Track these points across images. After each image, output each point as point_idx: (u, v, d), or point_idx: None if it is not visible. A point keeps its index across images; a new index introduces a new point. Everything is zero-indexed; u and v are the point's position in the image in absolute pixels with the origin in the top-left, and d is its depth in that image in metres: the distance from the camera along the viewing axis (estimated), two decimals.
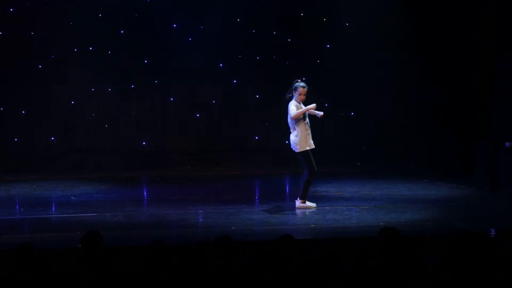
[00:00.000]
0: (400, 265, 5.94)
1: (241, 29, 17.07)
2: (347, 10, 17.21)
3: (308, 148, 10.98)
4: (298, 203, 11.01)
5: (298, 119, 10.90)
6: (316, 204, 11.15)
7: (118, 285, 5.76)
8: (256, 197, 13.02)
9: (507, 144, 12.20)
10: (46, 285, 5.70)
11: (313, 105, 11.01)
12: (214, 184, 14.10)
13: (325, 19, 17.41)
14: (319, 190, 13.05)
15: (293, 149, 11.10)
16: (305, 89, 11.00)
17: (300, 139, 10.93)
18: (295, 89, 11.02)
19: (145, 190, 13.68)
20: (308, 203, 11.03)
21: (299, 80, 11.20)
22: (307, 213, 10.70)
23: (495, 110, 14.20)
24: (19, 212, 11.11)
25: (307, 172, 10.99)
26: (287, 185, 14.30)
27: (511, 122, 12.96)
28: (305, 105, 11.06)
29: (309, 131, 11.04)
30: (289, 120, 11.01)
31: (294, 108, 10.89)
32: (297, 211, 10.92)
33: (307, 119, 11.06)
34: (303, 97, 11.01)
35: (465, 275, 5.74)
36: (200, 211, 10.89)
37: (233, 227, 9.57)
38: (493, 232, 8.63)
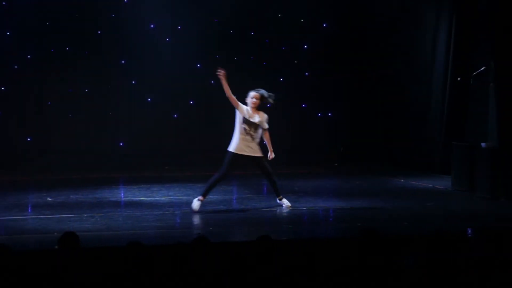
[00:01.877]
0: (378, 266, 5.95)
1: (218, 30, 17.07)
2: (324, 11, 17.28)
3: (235, 151, 10.79)
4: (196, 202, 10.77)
5: (237, 120, 10.79)
6: (291, 204, 11.13)
7: (96, 286, 5.73)
8: (234, 198, 13.00)
9: (483, 144, 12.28)
10: (23, 287, 5.67)
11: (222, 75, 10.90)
12: (191, 185, 14.07)
13: (303, 20, 17.45)
14: (296, 190, 13.07)
15: None
16: (256, 94, 11.00)
17: (234, 139, 10.83)
18: (248, 94, 11.07)
19: (122, 191, 13.61)
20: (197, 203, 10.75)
21: (257, 88, 11.28)
22: (285, 213, 10.71)
23: (472, 111, 14.29)
24: None
25: (221, 171, 10.84)
26: (264, 186, 14.29)
27: (486, 123, 13.04)
28: (261, 112, 10.99)
29: (249, 137, 10.81)
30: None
31: (236, 101, 10.93)
32: (279, 210, 10.93)
33: (246, 126, 10.84)
34: (253, 101, 10.98)
35: (442, 275, 5.77)
36: (177, 212, 10.85)
37: (211, 228, 9.56)
38: (470, 232, 8.68)
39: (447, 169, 14.00)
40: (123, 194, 13.31)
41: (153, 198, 12.32)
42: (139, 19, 16.67)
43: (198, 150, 17.19)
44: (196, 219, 10.38)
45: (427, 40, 15.80)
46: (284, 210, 10.94)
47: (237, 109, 10.83)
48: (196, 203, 10.73)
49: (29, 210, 11.46)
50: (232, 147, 10.86)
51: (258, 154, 10.90)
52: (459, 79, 14.50)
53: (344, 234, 8.94)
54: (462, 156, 13.00)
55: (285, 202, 11.05)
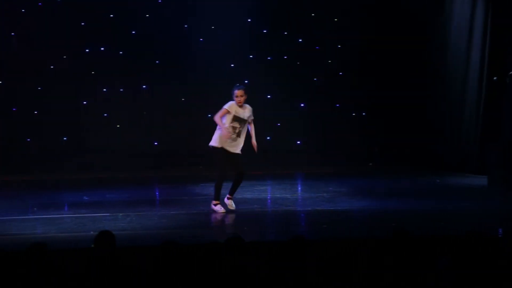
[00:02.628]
0: (411, 267, 5.93)
1: (252, 29, 17.09)
2: (358, 10, 17.21)
3: (220, 146, 10.65)
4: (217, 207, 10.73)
5: (226, 117, 10.64)
6: (310, 206, 11.12)
7: (130, 285, 5.77)
8: (268, 198, 13.01)
9: None
10: (59, 285, 5.72)
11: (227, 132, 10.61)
12: (225, 184, 14.09)
13: (337, 19, 17.40)
14: (331, 190, 13.04)
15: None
16: (240, 91, 10.70)
17: (216, 134, 10.72)
18: (233, 90, 10.78)
19: (157, 191, 13.69)
20: (218, 207, 10.71)
21: (238, 84, 10.97)
22: (320, 213, 10.68)
23: (507, 110, 14.15)
24: (32, 212, 11.15)
25: (218, 173, 10.77)
26: (299, 186, 14.29)
27: None
28: (246, 105, 10.78)
29: (235, 136, 10.66)
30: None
31: (225, 109, 10.66)
32: (313, 210, 10.91)
33: (236, 124, 10.69)
34: (240, 99, 10.68)
35: (475, 276, 5.73)
36: (211, 211, 10.88)
37: (245, 227, 9.57)
38: (501, 232, 8.61)
39: (483, 169, 13.89)
40: (158, 193, 13.38)
41: (187, 197, 12.37)
42: (173, 19, 16.75)
43: None
44: (231, 218, 10.40)
45: (462, 38, 15.67)
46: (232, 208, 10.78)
47: (228, 113, 10.67)
48: (216, 208, 10.71)
49: (66, 209, 11.56)
50: (216, 142, 10.70)
51: (238, 151, 10.76)
52: (495, 78, 14.36)
53: (378, 235, 8.89)
54: (498, 156, 12.88)
55: (231, 204, 10.79)
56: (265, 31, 17.30)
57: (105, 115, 16.88)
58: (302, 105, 17.60)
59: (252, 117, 10.89)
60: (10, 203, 11.91)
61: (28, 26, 16.20)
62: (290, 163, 16.86)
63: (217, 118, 10.66)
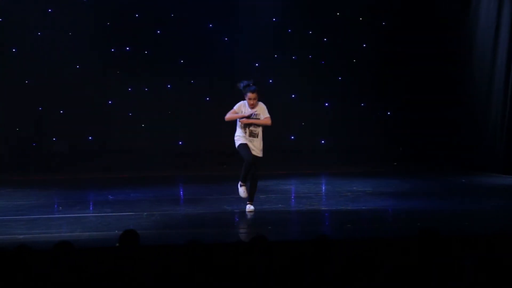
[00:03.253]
0: (438, 266, 5.89)
1: (276, 29, 17.08)
2: (383, 9, 17.16)
3: (243, 142, 10.52)
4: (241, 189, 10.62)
5: (237, 122, 10.61)
6: (334, 206, 11.10)
7: (155, 284, 5.79)
8: (292, 197, 12.99)
9: None
10: (84, 284, 5.75)
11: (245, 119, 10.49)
12: (249, 184, 14.09)
13: (361, 18, 17.36)
14: (355, 190, 13.01)
15: None
16: (254, 94, 10.47)
17: (236, 136, 10.65)
18: (245, 92, 10.53)
19: (181, 189, 13.72)
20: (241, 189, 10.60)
21: (251, 84, 10.59)
22: (344, 213, 10.65)
23: None
24: (58, 210, 11.22)
25: (244, 160, 10.58)
26: (323, 186, 14.26)
27: None
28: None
29: (247, 136, 10.54)
30: None
31: (234, 110, 10.55)
32: (338, 210, 10.89)
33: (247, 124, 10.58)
34: (253, 102, 10.46)
35: (503, 277, 5.69)
36: (236, 210, 10.89)
37: (269, 227, 9.57)
38: None
39: (509, 169, 13.78)
40: (182, 192, 13.41)
41: (212, 197, 12.38)
42: (198, 19, 16.78)
43: None
44: (255, 218, 10.40)
45: (488, 38, 15.57)
46: (248, 215, 10.75)
47: (231, 119, 10.59)
48: (240, 190, 10.65)
49: (91, 208, 11.62)
50: (237, 141, 10.64)
51: (259, 154, 10.67)
52: None
53: (403, 234, 8.85)
54: None
55: (250, 208, 10.71)
56: (290, 30, 17.29)
57: (130, 114, 16.96)
58: (326, 104, 17.57)
59: (267, 115, 10.61)
60: (36, 202, 11.99)
61: (54, 26, 16.31)
62: (314, 163, 16.84)
63: (226, 117, 10.59)
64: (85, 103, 16.67)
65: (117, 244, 6.23)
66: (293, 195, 13.26)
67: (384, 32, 17.31)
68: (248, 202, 10.77)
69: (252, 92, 10.47)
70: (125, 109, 16.94)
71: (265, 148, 17.08)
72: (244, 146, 10.58)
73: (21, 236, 8.93)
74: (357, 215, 10.52)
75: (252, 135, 10.61)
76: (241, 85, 10.63)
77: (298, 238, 8.88)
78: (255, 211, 10.63)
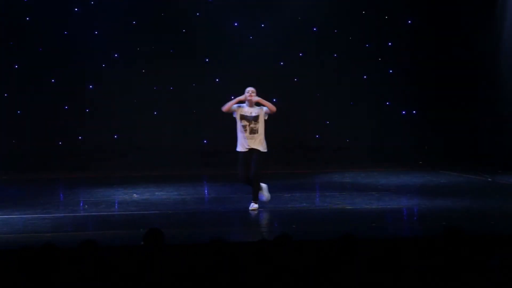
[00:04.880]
0: (462, 266, 5.86)
1: (302, 27, 17.06)
2: (409, 8, 17.09)
3: (239, 150, 10.78)
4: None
5: (237, 121, 10.77)
6: (359, 204, 11.07)
7: (179, 282, 5.80)
8: (317, 196, 12.97)
9: None
10: (109, 282, 5.77)
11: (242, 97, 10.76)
12: (274, 183, 14.11)
13: (387, 16, 17.29)
14: (380, 188, 12.97)
15: None
16: (251, 88, 10.88)
17: (237, 140, 10.82)
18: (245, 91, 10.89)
19: (205, 188, 13.75)
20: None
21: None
22: (369, 212, 10.61)
23: None
24: (83, 209, 11.28)
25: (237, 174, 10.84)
26: (348, 184, 14.22)
27: None
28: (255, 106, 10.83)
29: (246, 134, 10.70)
30: None
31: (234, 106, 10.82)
32: (362, 208, 10.85)
33: (245, 122, 10.75)
34: (251, 95, 10.78)
35: None
36: (260, 209, 10.89)
37: (294, 226, 9.56)
38: None
39: None
40: (207, 191, 13.44)
41: (236, 195, 12.39)
42: (223, 18, 16.80)
43: (281, 148, 17.24)
44: (279, 217, 10.39)
45: None
46: (252, 213, 10.75)
47: (235, 111, 10.78)
48: (253, 206, 10.74)
49: (116, 206, 11.68)
50: (237, 147, 10.85)
51: (262, 149, 10.79)
52: None
53: (428, 233, 8.80)
54: None
55: (254, 206, 10.76)
56: (315, 29, 17.26)
57: (155, 113, 17.01)
58: (351, 103, 17.51)
59: (264, 109, 10.84)
60: (62, 201, 12.07)
61: (80, 25, 16.40)
62: (339, 161, 16.80)
63: (223, 108, 10.88)
64: (110, 101, 16.74)
65: (142, 243, 6.25)
66: (317, 193, 13.24)
67: (410, 31, 17.22)
68: (252, 201, 10.79)
69: (251, 86, 10.89)
70: (150, 107, 16.99)
71: (289, 147, 17.21)
72: (240, 161, 10.78)
73: (47, 234, 8.99)
74: (382, 214, 10.49)
75: (253, 131, 10.74)
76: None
77: (323, 237, 8.86)
78: (276, 210, 10.64)
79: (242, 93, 10.93)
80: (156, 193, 12.78)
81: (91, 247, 5.98)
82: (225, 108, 10.83)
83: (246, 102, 10.82)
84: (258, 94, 10.86)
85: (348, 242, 6.06)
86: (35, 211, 10.86)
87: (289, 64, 17.16)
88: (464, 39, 16.70)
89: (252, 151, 10.74)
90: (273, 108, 10.88)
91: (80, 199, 12.31)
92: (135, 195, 12.48)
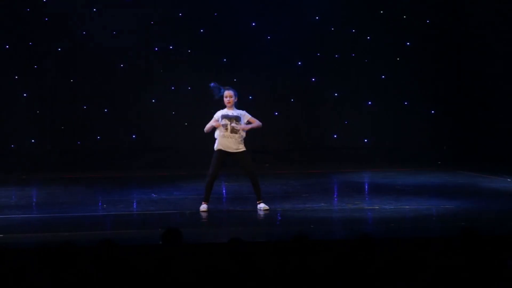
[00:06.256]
0: (480, 266, 5.84)
1: (319, 27, 17.04)
2: (427, 8, 17.03)
3: (220, 148, 10.75)
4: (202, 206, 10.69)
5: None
6: (377, 205, 11.03)
7: (198, 282, 5.82)
8: (335, 196, 12.96)
9: None
10: (127, 281, 5.80)
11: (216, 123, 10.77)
12: (292, 182, 14.11)
13: (405, 16, 17.24)
14: (398, 189, 12.94)
15: None
16: (228, 92, 11.00)
17: (217, 139, 10.80)
18: (221, 93, 11.04)
19: (223, 188, 13.76)
20: (203, 206, 10.67)
21: (228, 87, 11.17)
22: (386, 213, 10.58)
23: None
24: (102, 208, 11.33)
25: (208, 173, 10.77)
26: (366, 184, 14.20)
27: None
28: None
29: (227, 133, 10.71)
30: None
31: (214, 117, 10.89)
32: (380, 208, 10.83)
33: (226, 121, 10.78)
34: (229, 99, 10.92)
35: None
36: (278, 209, 10.89)
37: (312, 226, 9.56)
38: None
39: None
40: (225, 190, 13.46)
41: (253, 195, 12.35)
42: (241, 17, 16.81)
43: (299, 148, 17.24)
44: (297, 217, 10.38)
45: None
46: (262, 213, 10.70)
47: (215, 122, 10.80)
48: (201, 207, 10.68)
49: (134, 206, 11.72)
50: (216, 146, 10.83)
51: (242, 148, 10.79)
52: None
53: (446, 234, 8.77)
54: None
55: (264, 206, 10.74)
56: (332, 28, 17.23)
57: (173, 113, 17.05)
58: (369, 103, 17.48)
59: (249, 116, 10.97)
60: (81, 200, 12.13)
61: (98, 25, 16.46)
62: (357, 161, 16.76)
63: (205, 129, 10.95)
64: (128, 101, 16.80)
65: (160, 242, 6.27)
66: (335, 193, 13.23)
67: (428, 30, 17.15)
68: (257, 202, 10.79)
69: (227, 89, 11.05)
70: (169, 107, 17.02)
71: (308, 147, 17.20)
72: (216, 160, 10.79)
73: (66, 234, 9.03)
74: (400, 214, 10.46)
75: (234, 131, 10.77)
76: (216, 90, 11.13)
77: (340, 237, 8.86)
78: (293, 209, 10.63)
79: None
80: (175, 192, 12.82)
81: (109, 246, 6.00)
82: (206, 129, 10.92)
83: (226, 107, 10.90)
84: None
85: (365, 242, 6.05)
86: (54, 211, 10.92)
87: (306, 64, 17.14)
88: (485, 38, 16.61)
89: (231, 154, 10.72)
90: (260, 126, 11.02)
91: (99, 198, 12.35)
92: (153, 195, 12.51)
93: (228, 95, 10.96)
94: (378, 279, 5.74)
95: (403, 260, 5.89)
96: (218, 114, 10.90)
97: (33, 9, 16.51)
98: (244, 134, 10.82)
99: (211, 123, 10.81)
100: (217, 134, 10.81)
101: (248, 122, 10.90)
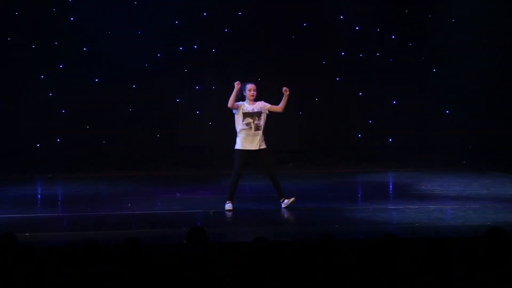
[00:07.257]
0: (507, 266, 5.80)
1: (344, 26, 17.00)
2: (453, 6, 16.93)
3: (242, 148, 10.75)
4: (227, 205, 10.71)
5: (236, 120, 10.79)
6: (401, 204, 10.99)
7: (221, 280, 5.83)
8: (359, 195, 12.92)
9: None
10: (151, 280, 5.81)
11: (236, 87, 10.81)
12: (316, 182, 14.09)
13: (430, 15, 17.16)
14: (423, 188, 12.88)
15: None
16: (252, 85, 10.98)
17: (237, 138, 10.80)
18: (244, 89, 10.94)
19: (247, 187, 13.76)
20: (228, 205, 10.69)
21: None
22: (411, 212, 10.53)
23: None
24: (126, 208, 11.38)
25: (233, 172, 10.78)
26: (390, 184, 14.15)
27: None
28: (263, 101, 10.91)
29: (251, 131, 10.73)
30: None
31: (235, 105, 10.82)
32: (403, 209, 10.77)
33: (249, 120, 10.77)
34: (253, 93, 10.88)
35: None
36: (303, 209, 10.87)
37: (336, 225, 9.54)
38: None
39: None
40: (249, 190, 13.46)
41: (277, 195, 12.38)
42: (264, 17, 16.81)
43: (322, 148, 17.21)
44: (321, 216, 10.36)
45: None
46: (287, 210, 10.67)
47: (236, 109, 10.79)
48: (227, 206, 10.71)
49: (159, 205, 11.75)
50: (238, 145, 10.84)
51: (265, 145, 10.81)
52: None
53: (472, 234, 8.72)
54: None
55: (288, 202, 10.79)
56: (357, 28, 17.19)
57: (198, 112, 17.08)
58: (394, 102, 17.41)
59: (269, 105, 10.95)
60: (106, 199, 12.19)
61: (122, 25, 16.53)
62: (381, 161, 16.71)
63: (228, 104, 10.85)
64: (153, 101, 16.86)
65: (185, 241, 6.29)
66: (359, 193, 13.19)
67: (452, 29, 17.05)
68: (281, 200, 10.80)
69: (251, 83, 10.99)
70: (193, 107, 17.06)
71: (331, 146, 17.16)
72: (240, 158, 10.80)
73: (91, 232, 9.08)
74: (425, 214, 10.40)
75: (258, 128, 10.77)
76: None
77: (365, 237, 8.83)
78: (310, 208, 10.62)
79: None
80: (199, 192, 12.85)
81: (134, 245, 6.03)
82: (230, 103, 10.85)
83: (246, 99, 10.86)
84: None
85: (390, 242, 6.03)
86: (79, 209, 10.98)
87: (331, 63, 17.11)
88: (505, 36, 16.51)
89: (255, 151, 10.73)
90: (283, 110, 10.98)
91: (124, 197, 12.40)
92: (177, 194, 12.55)
93: (253, 88, 10.97)
94: (403, 279, 5.72)
95: (428, 260, 5.87)
96: (240, 105, 10.86)
97: (59, 9, 16.60)
98: (264, 126, 10.78)
99: (233, 93, 10.83)
100: (239, 128, 10.80)
101: (269, 110, 10.88)
